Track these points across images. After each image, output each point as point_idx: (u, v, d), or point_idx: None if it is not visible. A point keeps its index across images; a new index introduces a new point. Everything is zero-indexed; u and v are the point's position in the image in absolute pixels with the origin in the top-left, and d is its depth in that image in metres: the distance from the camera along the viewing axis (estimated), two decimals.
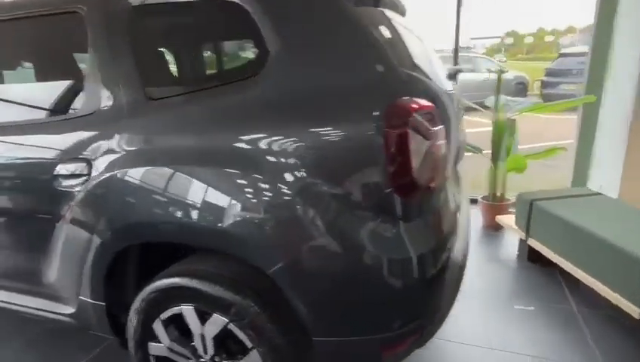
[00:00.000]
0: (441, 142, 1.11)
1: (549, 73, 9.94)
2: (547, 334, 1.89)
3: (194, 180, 1.13)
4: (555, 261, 2.28)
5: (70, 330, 1.51)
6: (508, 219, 2.83)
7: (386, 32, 1.14)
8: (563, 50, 10.88)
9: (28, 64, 1.64)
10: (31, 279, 1.49)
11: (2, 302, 1.58)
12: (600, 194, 2.55)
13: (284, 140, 1.06)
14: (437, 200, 1.18)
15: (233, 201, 1.08)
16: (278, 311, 1.17)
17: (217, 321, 1.19)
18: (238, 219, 1.08)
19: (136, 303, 1.30)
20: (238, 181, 1.08)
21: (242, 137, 1.10)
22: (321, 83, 1.07)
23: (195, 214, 1.12)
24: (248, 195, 1.07)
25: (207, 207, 1.10)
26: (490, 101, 3.11)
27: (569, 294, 2.23)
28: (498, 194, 3.15)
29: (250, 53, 1.16)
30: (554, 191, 2.68)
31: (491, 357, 1.76)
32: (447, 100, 1.25)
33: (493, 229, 3.10)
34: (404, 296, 1.08)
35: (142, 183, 1.17)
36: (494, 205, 3.07)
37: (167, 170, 1.15)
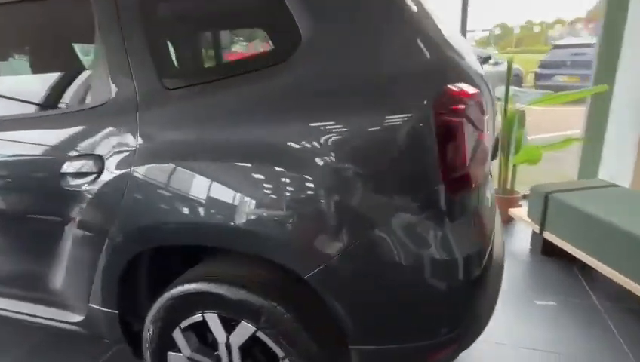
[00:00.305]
0: (489, 132, 1.03)
1: (543, 65, 9.95)
2: (573, 330, 1.84)
3: (220, 177, 1.03)
4: (574, 254, 2.23)
5: (77, 337, 1.42)
6: (519, 212, 2.78)
7: (426, 14, 1.05)
8: (557, 42, 10.91)
9: (25, 53, 1.51)
10: (35, 286, 1.38)
11: (4, 310, 1.47)
12: (616, 185, 2.51)
13: (319, 132, 0.96)
14: (480, 197, 1.10)
15: (267, 200, 0.99)
16: (313, 318, 1.09)
17: (245, 329, 1.10)
18: (273, 219, 0.98)
19: (154, 311, 1.21)
20: (273, 178, 0.98)
21: (273, 129, 1.00)
22: (361, 70, 0.97)
23: (224, 214, 1.02)
24: (283, 193, 0.97)
25: (237, 206, 1.01)
26: (499, 92, 3.04)
27: (588, 288, 2.18)
28: (508, 186, 3.09)
29: (279, 37, 1.06)
30: (568, 183, 2.63)
31: (521, 355, 1.70)
32: (485, 87, 1.17)
33: (503, 223, 3.06)
34: (452, 299, 1.00)
35: (162, 181, 1.07)
36: (505, 198, 3.02)
37: (191, 167, 1.05)
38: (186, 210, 1.05)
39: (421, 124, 0.91)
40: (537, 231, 2.53)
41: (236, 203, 1.01)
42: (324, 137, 0.96)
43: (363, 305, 1.00)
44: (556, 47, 10.16)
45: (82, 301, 1.32)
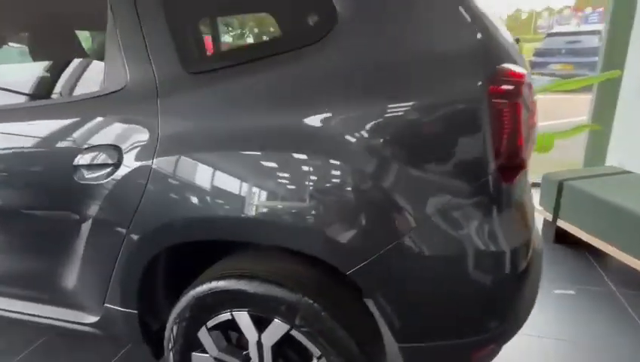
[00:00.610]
0: (537, 115, 0.97)
1: (538, 53, 9.95)
2: (596, 319, 1.82)
3: (252, 167, 0.96)
4: (590, 242, 2.21)
5: (82, 338, 1.36)
6: None
7: None
8: (551, 30, 10.90)
9: (26, 38, 1.41)
10: (47, 286, 1.30)
11: (14, 311, 1.38)
12: (629, 172, 2.49)
13: (360, 117, 0.90)
14: (523, 186, 1.05)
15: (306, 191, 0.92)
16: (351, 315, 1.04)
17: (278, 328, 1.04)
18: (314, 212, 0.92)
19: (178, 310, 1.14)
20: (311, 167, 0.92)
21: (308, 114, 0.93)
22: (404, 51, 0.90)
23: (258, 207, 0.95)
24: (324, 184, 0.91)
25: (275, 198, 0.94)
26: None
27: (605, 275, 2.17)
28: None
29: (312, 16, 0.98)
30: (580, 170, 2.61)
31: (546, 345, 1.67)
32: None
33: None
34: (502, 293, 0.95)
35: (189, 173, 0.99)
36: None
37: (220, 157, 0.98)
38: (217, 204, 0.98)
39: (475, 107, 0.85)
40: (550, 219, 2.50)
41: (272, 194, 0.94)
42: (366, 122, 0.89)
43: (412, 301, 0.94)
44: (550, 35, 10.16)
45: (98, 301, 1.25)
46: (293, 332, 1.03)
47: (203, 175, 0.99)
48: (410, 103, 0.88)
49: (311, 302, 1.00)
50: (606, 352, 1.63)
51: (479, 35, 0.89)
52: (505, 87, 0.85)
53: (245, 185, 0.96)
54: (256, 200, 0.96)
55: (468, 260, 0.90)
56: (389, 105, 0.89)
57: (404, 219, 0.89)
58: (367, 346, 1.04)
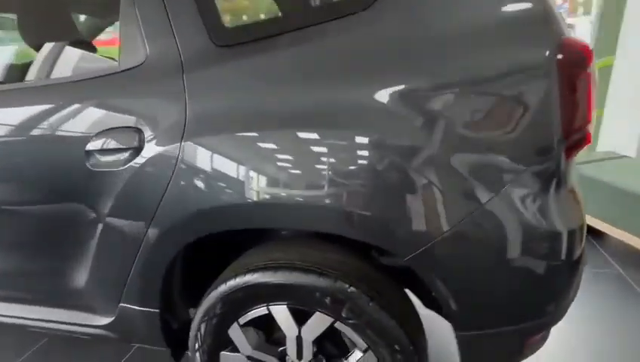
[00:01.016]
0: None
1: None
2: (609, 299, 1.84)
3: (296, 148, 0.88)
4: (596, 226, 2.23)
5: (84, 339, 1.26)
6: None
7: None
8: None
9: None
10: (51, 287, 1.18)
11: (15, 317, 1.25)
12: (628, 156, 2.53)
13: (414, 90, 0.83)
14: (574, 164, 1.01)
15: (358, 173, 0.84)
16: (397, 304, 0.98)
17: (321, 321, 0.97)
18: (369, 195, 0.85)
19: (206, 306, 1.04)
20: (362, 146, 0.84)
21: (354, 89, 0.85)
22: (462, 17, 0.84)
23: (307, 191, 0.88)
24: (380, 164, 0.83)
25: (323, 181, 0.86)
26: None
27: (609, 257, 2.20)
28: None
29: None
30: (579, 155, 2.64)
31: (568, 328, 1.66)
32: None
33: None
34: (562, 276, 0.91)
35: (225, 155, 0.90)
36: None
37: (258, 136, 0.89)
38: (258, 188, 0.90)
39: (543, 79, 0.79)
40: None
41: (321, 177, 0.86)
42: (424, 96, 0.83)
43: (475, 287, 0.89)
44: None
45: (112, 301, 1.13)
46: (338, 325, 0.97)
47: (242, 158, 0.90)
48: (473, 74, 0.81)
49: (358, 291, 0.93)
50: (625, 330, 1.64)
51: (541, 4, 0.83)
52: (575, 56, 0.80)
53: (292, 168, 0.88)
54: (303, 184, 0.88)
55: (533, 241, 0.85)
56: (446, 77, 0.82)
57: (468, 200, 0.83)
58: (414, 335, 0.99)
